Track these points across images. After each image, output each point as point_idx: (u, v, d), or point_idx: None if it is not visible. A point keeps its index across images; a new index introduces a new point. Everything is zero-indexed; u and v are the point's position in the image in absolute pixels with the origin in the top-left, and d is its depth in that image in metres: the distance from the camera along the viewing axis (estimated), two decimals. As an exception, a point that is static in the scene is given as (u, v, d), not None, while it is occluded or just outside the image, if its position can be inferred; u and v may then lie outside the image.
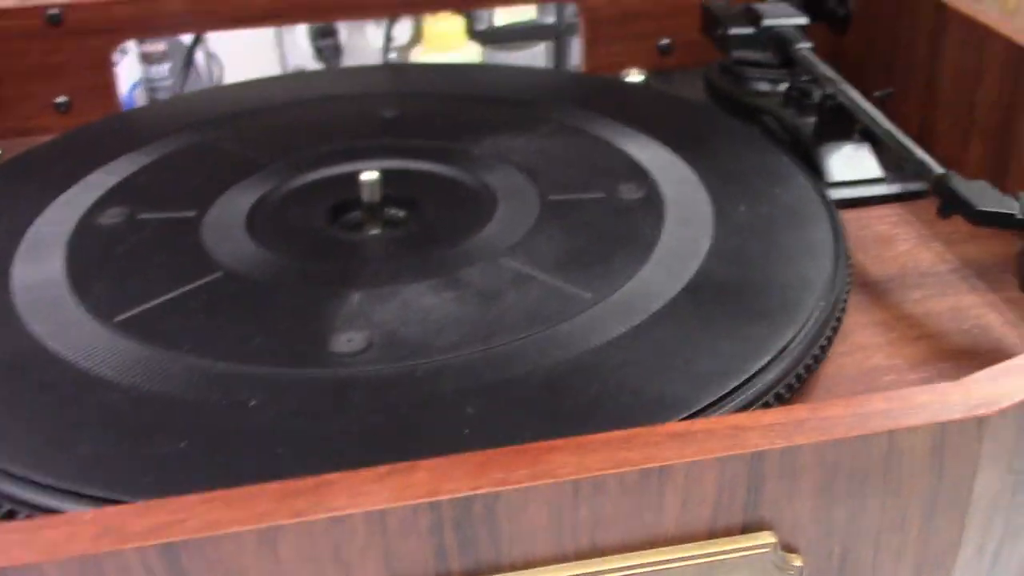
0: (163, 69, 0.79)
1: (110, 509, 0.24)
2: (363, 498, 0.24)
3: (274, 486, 0.24)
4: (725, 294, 0.39)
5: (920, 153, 0.42)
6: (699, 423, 0.25)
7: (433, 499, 0.23)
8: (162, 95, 0.79)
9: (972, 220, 0.38)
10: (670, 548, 0.25)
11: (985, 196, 0.38)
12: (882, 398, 0.25)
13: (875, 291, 0.43)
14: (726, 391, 0.33)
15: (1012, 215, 0.37)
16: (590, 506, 0.24)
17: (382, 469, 0.24)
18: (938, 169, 0.41)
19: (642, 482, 0.24)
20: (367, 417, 0.33)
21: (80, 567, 0.23)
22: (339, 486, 0.24)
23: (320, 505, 0.24)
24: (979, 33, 0.50)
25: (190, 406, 0.34)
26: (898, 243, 0.46)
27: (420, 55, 0.67)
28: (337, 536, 0.24)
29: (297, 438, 0.33)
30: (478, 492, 0.23)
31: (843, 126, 0.51)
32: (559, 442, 0.24)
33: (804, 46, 0.54)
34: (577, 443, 0.24)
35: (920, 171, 0.42)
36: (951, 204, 0.39)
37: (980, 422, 0.24)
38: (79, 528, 0.24)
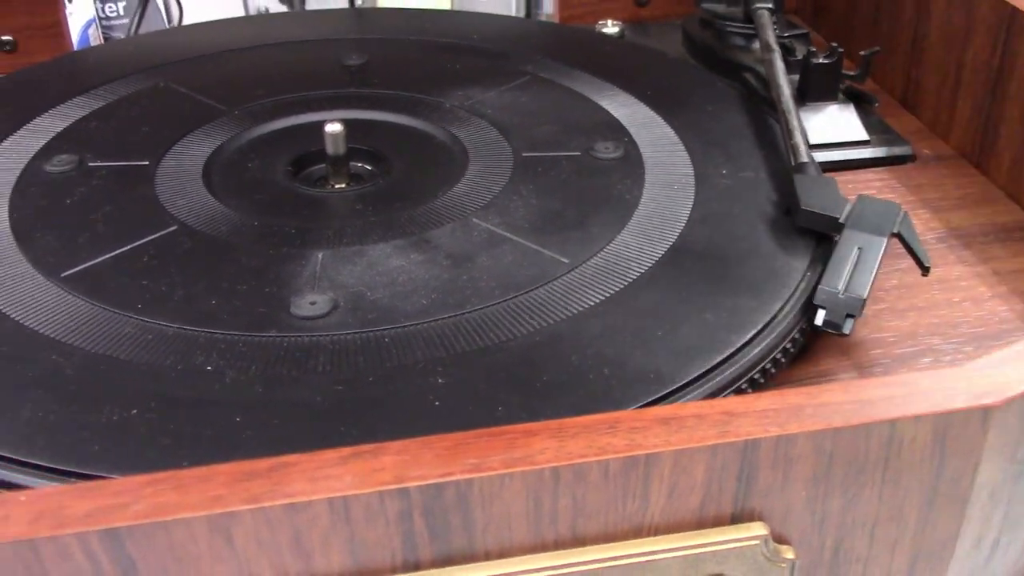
0: (117, 7, 0.75)
1: (47, 490, 0.22)
2: (325, 483, 0.22)
3: (227, 467, 0.22)
4: (708, 262, 0.37)
5: (798, 137, 0.41)
6: (689, 407, 0.23)
7: (401, 485, 0.22)
8: (117, 35, 0.75)
9: (795, 219, 0.37)
10: (656, 539, 0.23)
11: (816, 194, 0.37)
12: (882, 383, 0.23)
13: (860, 260, 0.41)
14: (710, 366, 0.32)
15: (835, 219, 0.36)
16: (571, 494, 0.22)
17: (344, 451, 0.22)
18: (804, 158, 0.39)
19: (626, 470, 0.22)
20: (331, 386, 0.32)
21: (14, 553, 0.21)
22: (298, 469, 0.22)
23: (277, 490, 0.22)
24: (971, -7, 0.48)
25: (141, 371, 0.32)
26: (883, 210, 0.45)
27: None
28: (297, 523, 0.22)
29: (256, 407, 0.31)
30: (450, 479, 0.22)
31: (828, 86, 0.49)
32: (536, 425, 0.23)
33: (763, 5, 0.51)
34: (557, 427, 0.23)
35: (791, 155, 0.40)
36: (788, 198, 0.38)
37: (986, 412, 0.23)
38: (12, 510, 0.22)
